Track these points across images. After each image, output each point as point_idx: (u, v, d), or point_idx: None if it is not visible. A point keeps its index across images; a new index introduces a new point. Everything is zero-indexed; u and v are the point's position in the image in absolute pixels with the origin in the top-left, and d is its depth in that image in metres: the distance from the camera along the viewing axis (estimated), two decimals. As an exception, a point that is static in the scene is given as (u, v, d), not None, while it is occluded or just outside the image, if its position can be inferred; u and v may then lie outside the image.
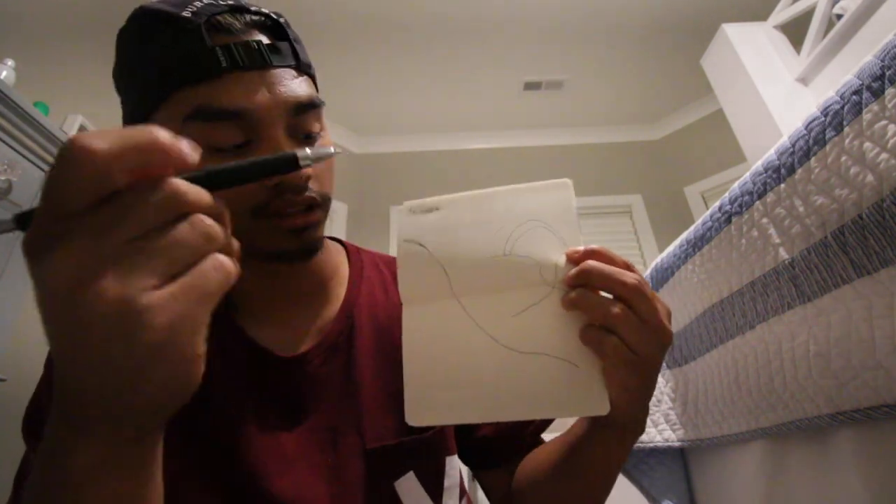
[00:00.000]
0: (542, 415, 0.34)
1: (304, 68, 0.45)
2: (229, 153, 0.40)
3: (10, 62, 1.48)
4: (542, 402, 0.33)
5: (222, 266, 0.23)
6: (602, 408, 0.32)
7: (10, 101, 1.28)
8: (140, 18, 0.43)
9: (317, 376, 0.47)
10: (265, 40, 0.42)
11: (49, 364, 0.45)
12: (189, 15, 0.40)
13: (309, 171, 0.42)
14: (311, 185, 0.43)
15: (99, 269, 0.19)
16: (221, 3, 0.42)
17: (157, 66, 0.41)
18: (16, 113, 1.30)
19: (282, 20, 0.46)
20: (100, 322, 0.19)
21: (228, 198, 0.40)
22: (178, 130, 0.39)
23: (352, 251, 0.59)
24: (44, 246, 0.20)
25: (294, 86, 0.43)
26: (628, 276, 0.31)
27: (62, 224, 0.20)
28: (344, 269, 0.56)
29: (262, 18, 0.44)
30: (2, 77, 1.41)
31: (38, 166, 1.41)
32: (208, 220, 0.23)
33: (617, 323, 0.31)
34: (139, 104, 0.43)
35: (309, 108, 0.43)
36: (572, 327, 0.32)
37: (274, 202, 0.41)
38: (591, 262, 0.32)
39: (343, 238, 0.62)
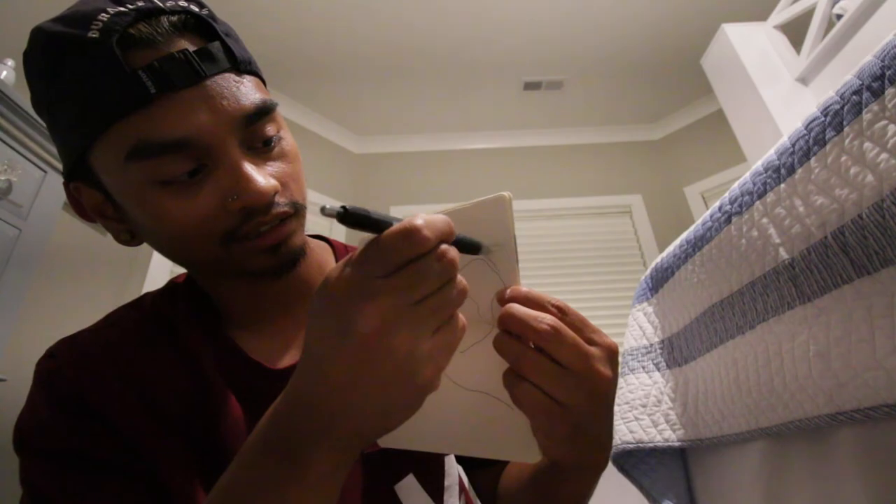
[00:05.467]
0: (481, 454, 0.33)
1: (243, 67, 0.40)
2: (183, 182, 0.37)
3: (10, 62, 1.47)
4: (481, 441, 0.32)
5: (464, 325, 0.27)
6: (531, 455, 0.30)
7: (10, 101, 1.28)
8: (44, 46, 0.38)
9: None
10: (192, 46, 0.37)
11: (43, 379, 0.42)
12: (97, 35, 0.35)
13: (275, 185, 0.38)
14: (279, 198, 0.40)
15: (398, 323, 0.24)
16: (130, 6, 0.36)
17: (78, 104, 0.36)
18: (16, 113, 1.30)
19: (205, 12, 0.40)
20: (391, 365, 0.24)
21: (195, 229, 0.38)
22: (122, 171, 0.37)
23: (339, 249, 0.57)
24: (357, 295, 0.24)
25: (238, 94, 0.38)
26: (542, 322, 0.29)
27: (374, 283, 0.24)
28: None
29: (184, 17, 0.38)
30: (2, 77, 1.40)
31: (38, 166, 1.41)
32: (464, 281, 0.26)
33: (526, 369, 0.29)
34: (69, 143, 0.39)
35: (260, 116, 0.39)
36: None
37: (243, 226, 0.38)
38: (510, 307, 0.29)
39: (343, 240, 0.60)
